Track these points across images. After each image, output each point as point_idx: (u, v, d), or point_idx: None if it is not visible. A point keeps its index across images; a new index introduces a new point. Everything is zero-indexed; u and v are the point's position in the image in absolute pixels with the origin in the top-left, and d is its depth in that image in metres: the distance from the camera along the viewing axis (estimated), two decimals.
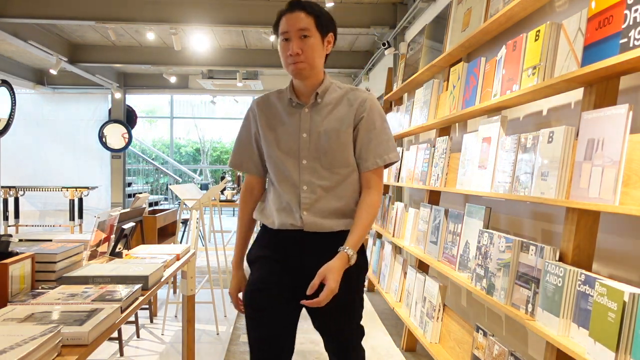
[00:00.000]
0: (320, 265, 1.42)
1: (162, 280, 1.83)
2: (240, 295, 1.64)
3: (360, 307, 1.68)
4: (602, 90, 1.51)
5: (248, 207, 1.65)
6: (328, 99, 1.54)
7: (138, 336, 3.16)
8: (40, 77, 8.04)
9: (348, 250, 1.43)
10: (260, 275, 1.56)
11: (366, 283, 4.51)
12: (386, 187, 4.36)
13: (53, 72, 6.13)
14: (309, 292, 1.39)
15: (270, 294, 1.55)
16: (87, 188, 6.81)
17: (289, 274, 1.54)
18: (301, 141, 1.51)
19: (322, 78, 1.56)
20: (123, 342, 2.87)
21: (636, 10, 1.27)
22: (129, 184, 9.30)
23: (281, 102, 1.58)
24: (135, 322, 3.14)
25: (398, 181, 3.60)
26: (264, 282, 1.55)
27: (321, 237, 1.51)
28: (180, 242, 5.70)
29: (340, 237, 1.48)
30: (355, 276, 1.56)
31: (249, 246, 1.66)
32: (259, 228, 1.66)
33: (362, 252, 1.59)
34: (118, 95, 8.18)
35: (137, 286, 1.62)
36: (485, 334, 2.04)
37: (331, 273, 1.38)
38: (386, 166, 1.56)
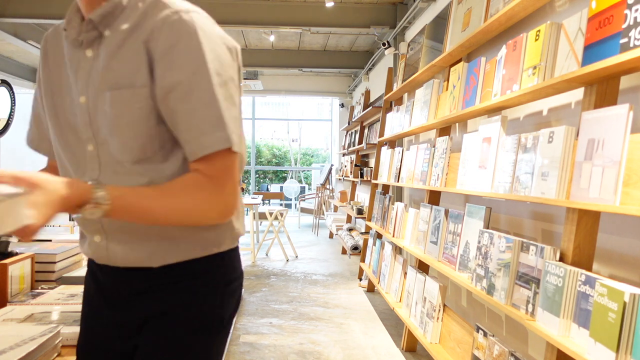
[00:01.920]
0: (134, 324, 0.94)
1: None
2: None
3: None
4: (603, 90, 1.50)
5: None
6: (121, 27, 0.85)
7: None
8: None
9: (98, 191, 0.76)
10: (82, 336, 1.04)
11: (366, 283, 4.50)
12: (386, 187, 4.36)
13: None
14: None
15: None
16: None
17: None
18: (80, 110, 0.88)
19: None
20: None
21: (636, 10, 1.27)
22: None
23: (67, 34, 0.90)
24: None
25: (398, 181, 3.60)
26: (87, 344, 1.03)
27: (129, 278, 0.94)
28: None
29: (162, 276, 0.91)
30: (185, 337, 0.93)
31: None
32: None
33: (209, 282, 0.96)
34: None
35: None
36: (485, 334, 2.04)
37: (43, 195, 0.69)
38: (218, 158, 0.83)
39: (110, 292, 0.97)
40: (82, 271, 1.76)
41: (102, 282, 0.99)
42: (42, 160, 1.09)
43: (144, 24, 0.83)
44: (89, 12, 0.86)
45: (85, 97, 0.87)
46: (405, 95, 4.43)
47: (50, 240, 2.00)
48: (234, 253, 1.01)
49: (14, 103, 6.77)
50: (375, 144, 4.93)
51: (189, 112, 0.81)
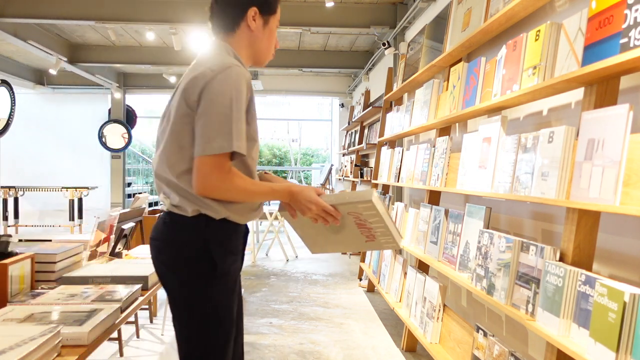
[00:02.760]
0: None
1: None
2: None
3: None
4: (603, 90, 1.50)
5: None
6: None
7: (138, 336, 3.16)
8: (40, 77, 8.04)
9: None
10: (236, 291, 1.45)
11: (366, 283, 4.51)
12: (386, 187, 4.36)
13: (53, 72, 6.14)
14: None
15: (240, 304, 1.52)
16: (87, 188, 6.81)
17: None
18: None
19: None
20: (123, 342, 2.87)
21: (636, 10, 1.27)
22: (129, 184, 9.30)
23: None
24: (135, 322, 3.14)
25: (398, 181, 3.60)
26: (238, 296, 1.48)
27: None
28: None
29: None
30: None
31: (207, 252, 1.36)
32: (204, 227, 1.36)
33: None
34: (118, 95, 8.18)
35: (137, 286, 1.62)
36: (485, 334, 2.04)
37: None
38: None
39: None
40: (82, 271, 1.76)
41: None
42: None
43: None
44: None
45: None
46: (405, 95, 4.43)
47: (50, 241, 2.00)
48: None
49: (14, 103, 6.76)
50: (375, 144, 4.93)
51: None
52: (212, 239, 1.34)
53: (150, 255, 1.38)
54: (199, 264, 1.33)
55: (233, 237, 1.40)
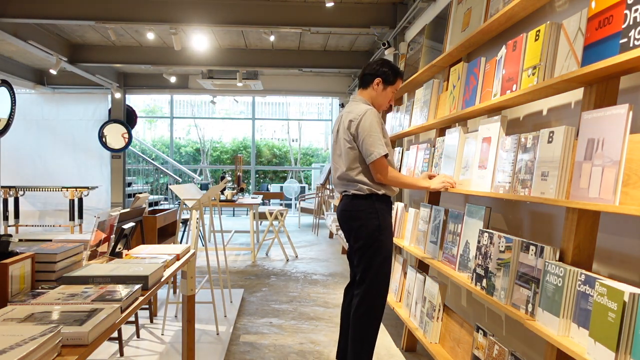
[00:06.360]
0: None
1: (162, 280, 1.83)
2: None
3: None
4: (602, 90, 1.51)
5: None
6: None
7: (138, 336, 3.16)
8: (40, 77, 8.04)
9: None
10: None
11: None
12: None
13: (53, 72, 6.14)
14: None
15: None
16: (87, 188, 6.81)
17: None
18: None
19: None
20: (123, 342, 2.87)
21: (636, 10, 1.27)
22: (129, 184, 9.30)
23: None
24: (135, 322, 3.14)
25: None
26: None
27: None
28: (180, 242, 5.70)
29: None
30: None
31: (381, 215, 2.33)
32: (377, 202, 2.34)
33: None
34: (118, 95, 8.18)
35: (137, 286, 1.62)
36: (485, 334, 2.04)
37: None
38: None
39: None
40: (82, 271, 1.76)
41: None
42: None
43: None
44: None
45: None
46: (405, 95, 4.43)
47: (50, 240, 2.00)
48: None
49: (14, 103, 6.76)
50: None
51: None
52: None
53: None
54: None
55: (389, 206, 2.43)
